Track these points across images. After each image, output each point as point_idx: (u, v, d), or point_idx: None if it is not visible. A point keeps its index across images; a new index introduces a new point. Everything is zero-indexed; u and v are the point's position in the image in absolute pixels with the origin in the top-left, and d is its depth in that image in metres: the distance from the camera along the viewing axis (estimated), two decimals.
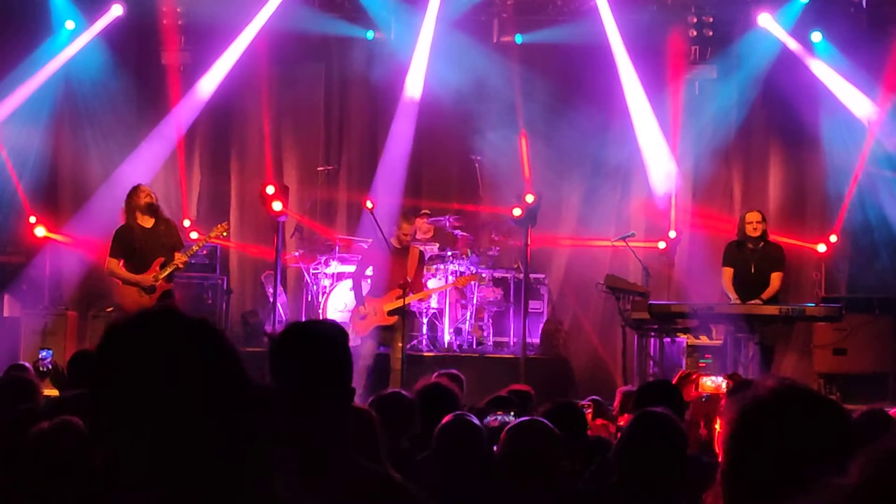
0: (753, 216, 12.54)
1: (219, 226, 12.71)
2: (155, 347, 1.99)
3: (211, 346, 2.01)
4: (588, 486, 4.83)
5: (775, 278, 12.43)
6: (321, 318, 14.22)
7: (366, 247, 14.01)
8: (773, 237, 12.92)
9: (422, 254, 13.45)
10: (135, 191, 11.72)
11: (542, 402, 6.98)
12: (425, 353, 13.86)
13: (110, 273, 11.70)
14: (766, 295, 12.29)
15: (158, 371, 1.94)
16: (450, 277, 14.47)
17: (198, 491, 1.89)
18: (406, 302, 12.71)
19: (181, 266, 11.72)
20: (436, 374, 7.57)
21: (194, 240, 14.29)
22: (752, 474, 2.49)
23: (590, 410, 7.78)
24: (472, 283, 14.34)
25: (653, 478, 4.32)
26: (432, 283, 14.30)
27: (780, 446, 2.46)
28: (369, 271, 13.32)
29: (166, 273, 11.52)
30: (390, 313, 12.69)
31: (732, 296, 12.38)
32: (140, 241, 11.53)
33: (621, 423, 7.30)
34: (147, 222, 11.60)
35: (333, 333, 3.35)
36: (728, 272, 12.54)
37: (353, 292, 13.49)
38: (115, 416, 1.94)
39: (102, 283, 14.12)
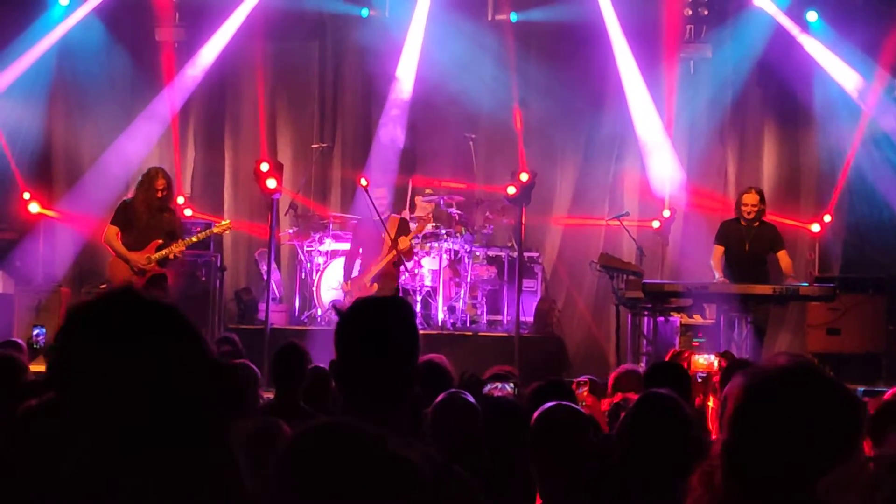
0: (750, 198, 12.41)
1: (222, 223, 12.82)
2: (117, 338, 1.88)
3: (178, 336, 1.91)
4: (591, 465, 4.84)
5: (783, 255, 12.42)
6: (318, 295, 14.26)
7: (355, 224, 14.04)
8: (768, 216, 12.89)
9: (403, 220, 13.39)
10: (153, 178, 11.61)
11: (536, 381, 6.99)
12: (419, 331, 13.81)
13: (107, 241, 11.67)
14: (788, 273, 12.29)
15: (121, 363, 1.85)
16: (444, 256, 14.48)
17: (163, 484, 1.82)
18: (383, 263, 12.75)
19: (179, 255, 11.71)
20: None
21: (189, 217, 14.32)
22: (756, 451, 2.48)
23: (585, 388, 7.78)
24: (426, 227, 14.24)
25: (656, 458, 4.32)
26: (426, 262, 14.33)
27: (785, 424, 2.45)
28: (361, 250, 13.37)
29: (160, 256, 11.49)
30: (372, 282, 12.66)
31: (718, 274, 12.34)
32: (140, 220, 11.52)
33: (616, 402, 7.31)
34: (152, 203, 11.58)
35: (405, 310, 3.33)
36: (718, 250, 12.51)
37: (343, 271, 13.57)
38: (76, 408, 1.87)
39: (96, 260, 14.12)
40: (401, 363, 3.20)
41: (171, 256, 11.60)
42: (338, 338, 3.22)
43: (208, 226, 14.67)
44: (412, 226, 13.59)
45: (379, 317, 3.25)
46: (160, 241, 11.52)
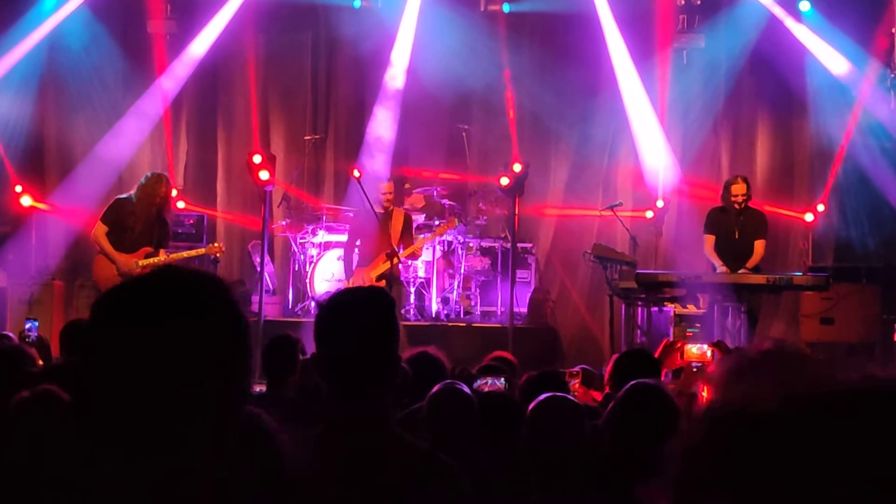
0: (738, 188, 12.42)
1: (214, 245, 12.82)
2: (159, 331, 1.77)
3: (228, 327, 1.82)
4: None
5: (759, 246, 12.39)
6: (312, 287, 14.23)
7: (351, 216, 14.00)
8: (759, 205, 12.86)
9: (408, 216, 13.36)
10: (155, 184, 11.49)
11: (530, 371, 6.98)
12: (413, 323, 13.83)
13: (95, 239, 11.55)
14: (750, 263, 12.26)
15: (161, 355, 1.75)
16: (437, 247, 14.46)
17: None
18: (393, 263, 12.66)
19: None
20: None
21: (182, 210, 14.29)
22: None
23: (577, 379, 7.77)
24: (452, 229, 14.16)
25: (644, 446, 4.31)
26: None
27: None
28: (358, 242, 13.29)
29: (148, 264, 11.40)
30: (378, 279, 12.61)
31: (717, 262, 12.33)
32: (135, 224, 11.42)
33: (607, 392, 7.30)
34: (150, 209, 11.49)
35: (383, 301, 3.33)
36: (710, 239, 12.49)
37: (342, 264, 13.51)
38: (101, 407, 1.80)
39: (89, 253, 14.07)
40: (380, 355, 3.20)
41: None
42: (317, 331, 3.23)
43: (201, 219, 14.73)
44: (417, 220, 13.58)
45: (357, 309, 3.25)
46: (150, 249, 11.47)
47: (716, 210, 12.65)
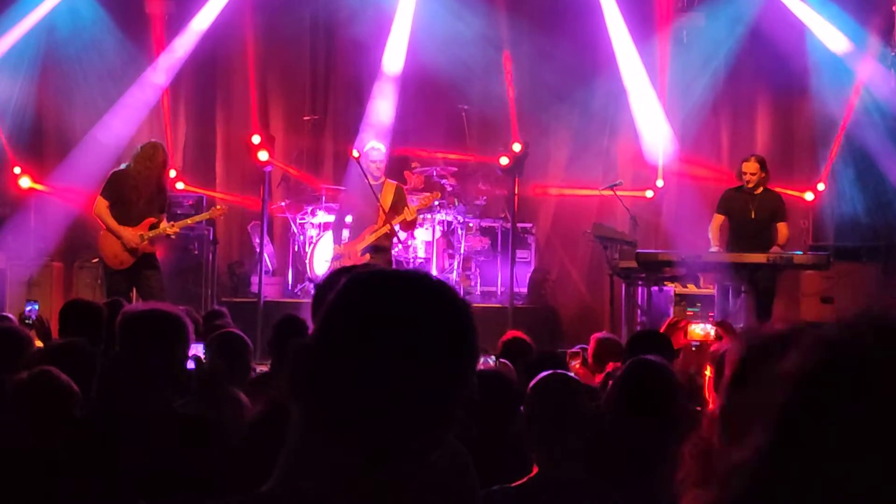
0: (748, 167, 12.11)
1: (216, 207, 12.79)
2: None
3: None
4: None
5: (783, 228, 12.18)
6: (311, 268, 14.19)
7: (342, 192, 13.95)
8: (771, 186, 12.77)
9: (399, 187, 13.02)
10: (152, 154, 11.37)
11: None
12: None
13: (97, 214, 11.38)
14: (780, 243, 12.10)
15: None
16: (437, 227, 14.44)
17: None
18: (388, 233, 12.56)
19: (171, 235, 11.63)
20: None
21: (181, 191, 14.26)
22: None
23: (577, 360, 7.76)
24: (435, 202, 14.04)
25: (645, 423, 4.30)
26: (419, 233, 14.26)
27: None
28: (348, 219, 13.23)
29: (154, 234, 11.32)
30: (362, 252, 12.50)
31: (714, 243, 12.16)
32: (138, 196, 11.31)
33: (608, 371, 7.29)
34: (150, 180, 11.42)
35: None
36: (717, 218, 12.32)
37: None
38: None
39: (88, 234, 14.05)
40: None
41: (165, 235, 11.51)
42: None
43: (200, 200, 14.72)
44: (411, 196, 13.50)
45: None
46: (153, 220, 11.34)
47: (731, 190, 12.45)
